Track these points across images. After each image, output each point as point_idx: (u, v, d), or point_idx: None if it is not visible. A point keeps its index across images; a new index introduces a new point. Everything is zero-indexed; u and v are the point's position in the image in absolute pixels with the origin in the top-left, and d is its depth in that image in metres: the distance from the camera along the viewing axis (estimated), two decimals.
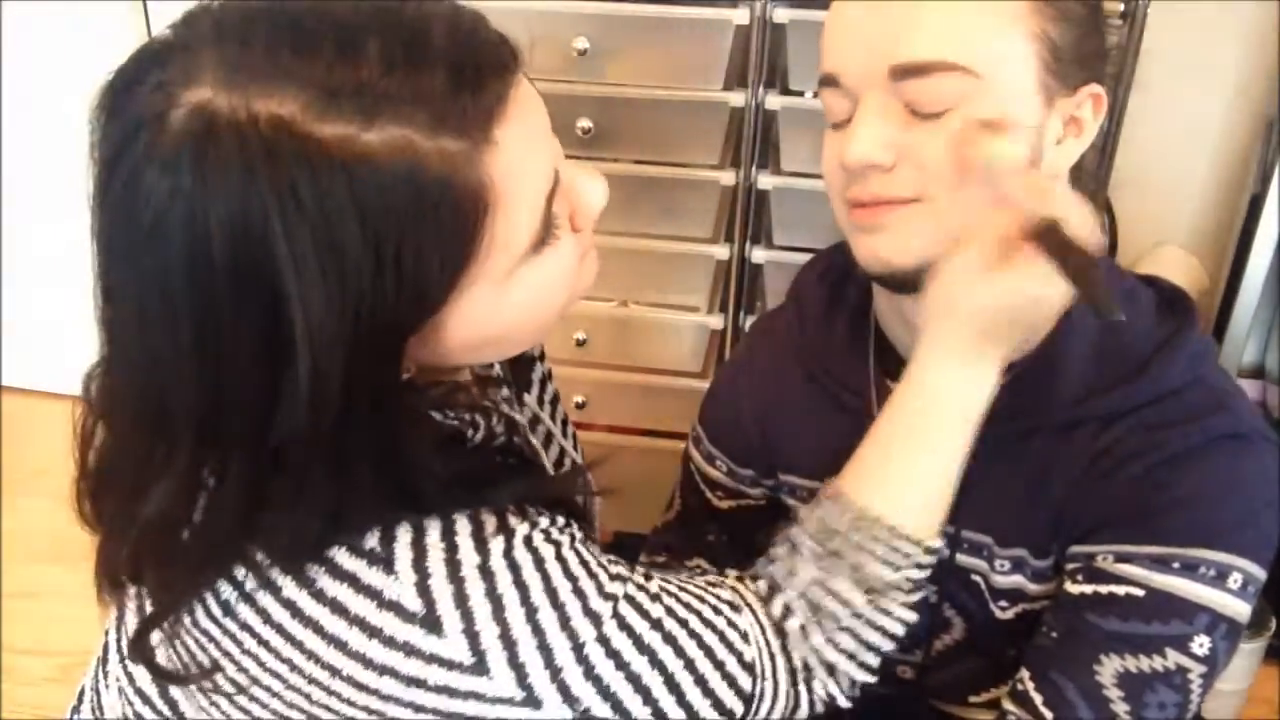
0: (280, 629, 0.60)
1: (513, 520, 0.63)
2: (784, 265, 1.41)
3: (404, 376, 0.60)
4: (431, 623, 0.59)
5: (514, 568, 0.61)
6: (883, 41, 0.69)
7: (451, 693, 0.60)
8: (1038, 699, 0.76)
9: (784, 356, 0.92)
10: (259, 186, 0.50)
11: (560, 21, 1.32)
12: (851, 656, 0.71)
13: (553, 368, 0.94)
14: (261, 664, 0.61)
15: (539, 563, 0.62)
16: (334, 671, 0.60)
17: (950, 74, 0.68)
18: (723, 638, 0.68)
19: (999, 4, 0.69)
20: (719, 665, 0.67)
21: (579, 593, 0.63)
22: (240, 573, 0.60)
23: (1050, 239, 0.65)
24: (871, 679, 0.73)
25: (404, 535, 0.60)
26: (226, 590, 0.61)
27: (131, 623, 0.69)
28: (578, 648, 0.62)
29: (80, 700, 0.79)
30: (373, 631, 0.59)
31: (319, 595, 0.59)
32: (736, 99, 1.34)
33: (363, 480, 0.57)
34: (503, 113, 0.56)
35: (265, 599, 0.60)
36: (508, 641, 0.60)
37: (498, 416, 0.71)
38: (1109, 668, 0.74)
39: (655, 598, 0.67)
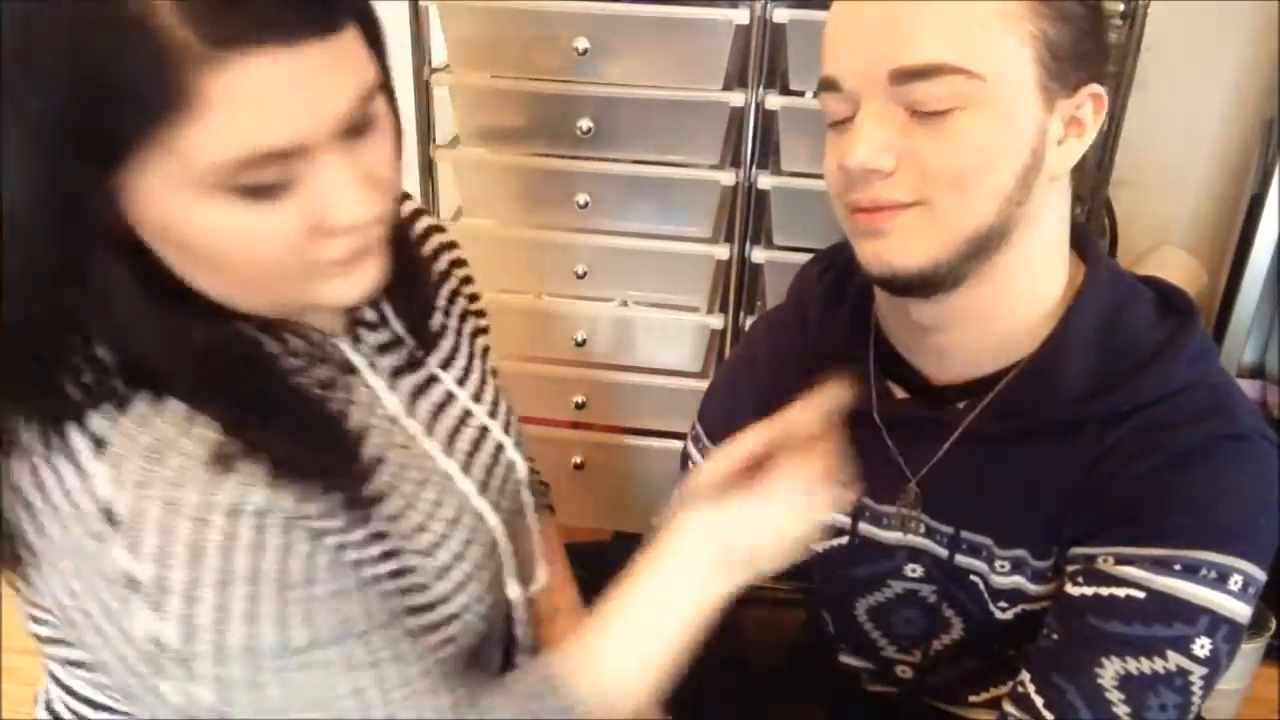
0: (29, 507, 0.62)
1: (253, 489, 0.62)
2: (784, 265, 1.41)
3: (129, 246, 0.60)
4: (113, 518, 0.60)
5: (200, 524, 0.61)
6: (883, 45, 0.69)
7: (125, 604, 0.60)
8: (1039, 701, 0.76)
9: (785, 355, 0.92)
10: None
11: (560, 21, 1.32)
12: None
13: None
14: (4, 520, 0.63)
15: (230, 537, 0.61)
16: (49, 542, 0.62)
17: (953, 77, 0.68)
18: None
19: (998, 5, 0.69)
20: None
21: (251, 605, 0.61)
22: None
23: None
24: None
25: (128, 425, 0.61)
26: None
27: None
28: (251, 646, 0.61)
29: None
30: (81, 517, 0.60)
31: (55, 472, 0.61)
32: (736, 99, 1.34)
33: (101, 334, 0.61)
34: (258, 47, 0.55)
35: (19, 473, 0.62)
36: (190, 595, 0.60)
37: (323, 366, 0.71)
38: (1110, 670, 0.74)
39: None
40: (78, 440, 0.61)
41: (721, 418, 0.98)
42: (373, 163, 0.63)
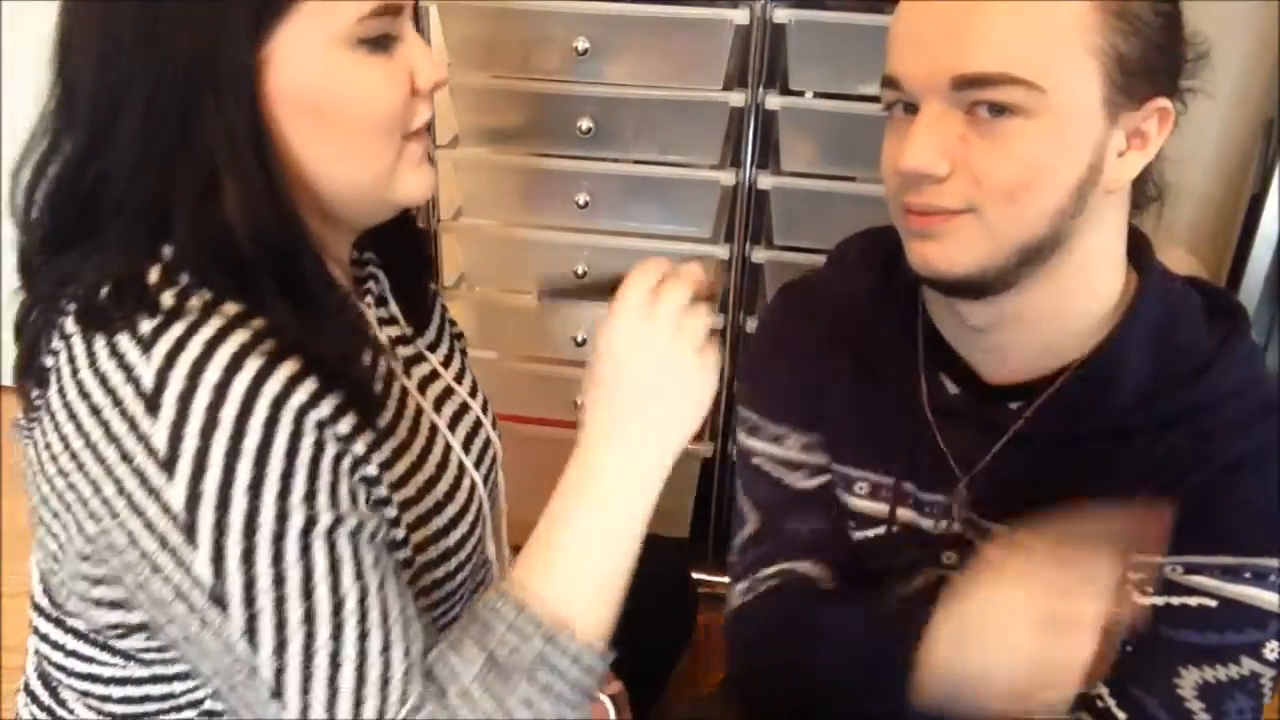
0: (65, 401, 0.65)
1: (281, 376, 0.63)
2: (784, 265, 1.41)
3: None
4: (153, 404, 0.61)
5: (244, 408, 0.62)
6: (947, 50, 0.69)
7: (143, 480, 0.62)
8: (1121, 716, 0.76)
9: (824, 337, 0.90)
10: None
11: (560, 21, 1.32)
12: None
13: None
14: (48, 448, 0.65)
15: (269, 422, 0.62)
16: (87, 440, 0.63)
17: (1013, 87, 0.67)
18: (385, 678, 0.64)
19: (1069, 17, 0.67)
20: (359, 698, 0.63)
21: (284, 477, 0.62)
22: (58, 345, 0.66)
23: None
24: None
25: (177, 328, 0.63)
26: (51, 364, 0.67)
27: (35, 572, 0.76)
28: (250, 520, 0.61)
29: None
30: (117, 402, 0.62)
31: (96, 370, 0.64)
32: (736, 99, 1.34)
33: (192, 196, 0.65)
34: None
35: (65, 376, 0.65)
36: (199, 459, 0.61)
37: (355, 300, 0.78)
38: (1189, 680, 0.74)
39: (361, 582, 0.64)
40: (125, 342, 0.63)
41: (774, 394, 0.94)
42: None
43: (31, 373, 0.69)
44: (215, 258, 0.65)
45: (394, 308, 0.85)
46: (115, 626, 0.70)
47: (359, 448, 0.67)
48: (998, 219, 0.70)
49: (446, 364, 0.90)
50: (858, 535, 0.92)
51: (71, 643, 0.74)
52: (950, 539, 0.87)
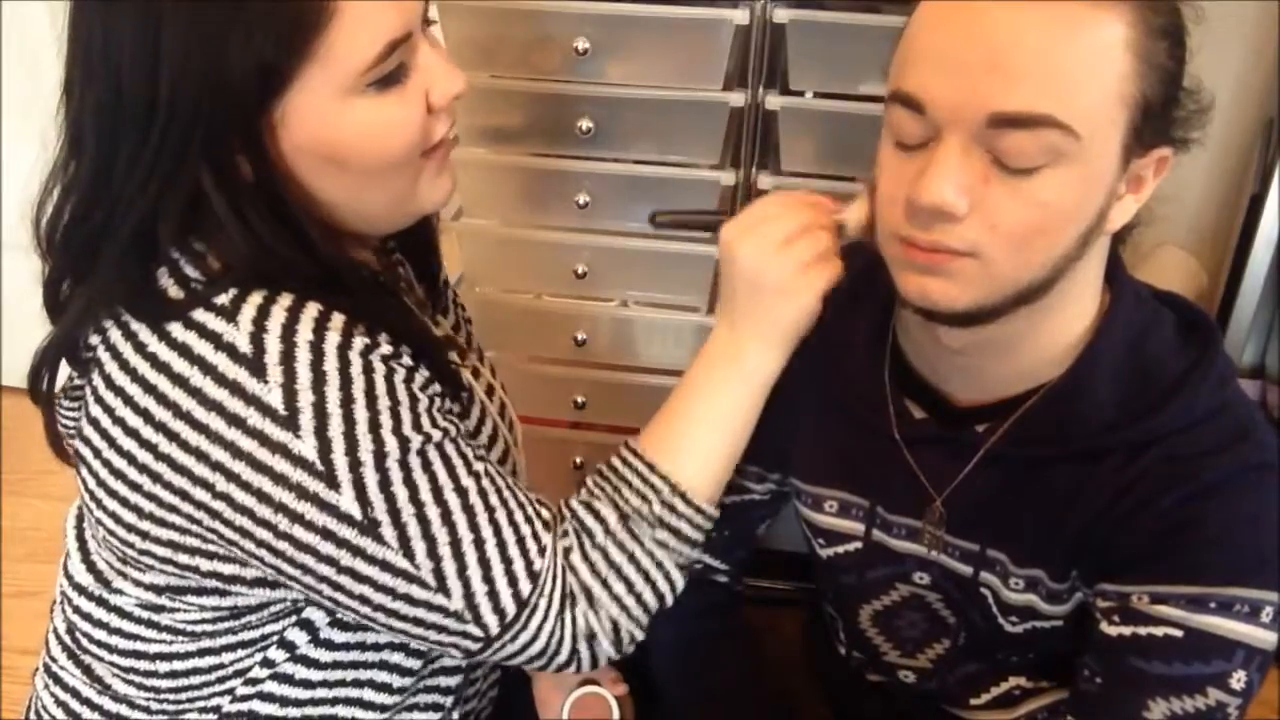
0: (136, 375, 0.67)
1: (360, 333, 0.69)
2: None
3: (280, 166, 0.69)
4: (257, 366, 0.65)
5: (343, 360, 0.67)
6: (988, 83, 0.65)
7: (264, 440, 0.65)
8: None
9: (797, 360, 0.91)
10: None
11: (560, 21, 1.32)
12: (605, 584, 0.76)
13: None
14: (121, 422, 0.67)
15: (366, 369, 0.68)
16: (177, 411, 0.66)
17: (1051, 131, 0.64)
18: (520, 539, 0.74)
19: (1109, 64, 0.65)
20: (507, 560, 0.73)
21: (394, 412, 0.69)
22: (108, 324, 0.70)
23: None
24: (636, 628, 0.78)
25: (255, 298, 0.68)
26: (97, 343, 0.69)
27: (76, 554, 0.79)
28: (379, 454, 0.68)
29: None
30: (208, 369, 0.66)
31: (171, 342, 0.66)
32: (736, 99, 1.34)
33: (242, 230, 0.68)
34: None
35: (127, 350, 0.68)
36: (320, 412, 0.66)
37: (401, 284, 0.84)
38: (1157, 711, 0.74)
39: (474, 473, 0.74)
40: (201, 314, 0.67)
41: None
42: (442, 51, 0.75)
43: (69, 362, 0.73)
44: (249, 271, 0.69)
45: (420, 292, 0.88)
46: (180, 590, 0.73)
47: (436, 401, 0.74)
48: (1004, 265, 0.69)
49: (469, 345, 0.94)
50: (827, 553, 0.93)
51: (115, 620, 0.76)
52: (920, 560, 0.88)
